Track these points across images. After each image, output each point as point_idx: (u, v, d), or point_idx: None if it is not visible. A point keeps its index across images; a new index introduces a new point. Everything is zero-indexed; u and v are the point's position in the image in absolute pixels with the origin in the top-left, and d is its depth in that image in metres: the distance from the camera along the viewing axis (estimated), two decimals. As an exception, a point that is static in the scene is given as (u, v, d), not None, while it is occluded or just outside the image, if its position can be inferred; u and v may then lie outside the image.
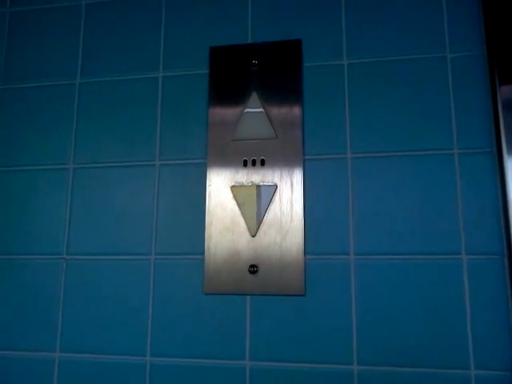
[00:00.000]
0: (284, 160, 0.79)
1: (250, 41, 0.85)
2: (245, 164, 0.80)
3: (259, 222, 0.78)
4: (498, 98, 0.77)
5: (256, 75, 0.83)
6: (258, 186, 0.79)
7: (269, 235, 0.77)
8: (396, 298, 0.73)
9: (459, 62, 0.78)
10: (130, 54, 0.88)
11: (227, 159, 0.81)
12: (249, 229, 0.77)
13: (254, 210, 0.78)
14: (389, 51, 0.81)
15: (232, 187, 0.79)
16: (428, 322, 0.71)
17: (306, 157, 0.79)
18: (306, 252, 0.76)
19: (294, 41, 0.84)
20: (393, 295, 0.73)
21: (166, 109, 0.85)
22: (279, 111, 0.81)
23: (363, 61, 0.81)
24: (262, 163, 0.80)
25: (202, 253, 0.78)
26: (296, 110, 0.81)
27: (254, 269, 0.76)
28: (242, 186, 0.79)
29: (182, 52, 0.87)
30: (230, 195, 0.79)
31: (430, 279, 0.72)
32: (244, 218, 0.78)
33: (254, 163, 0.80)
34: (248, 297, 0.76)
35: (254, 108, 0.82)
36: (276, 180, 0.79)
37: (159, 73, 0.87)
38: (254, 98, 0.82)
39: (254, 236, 0.77)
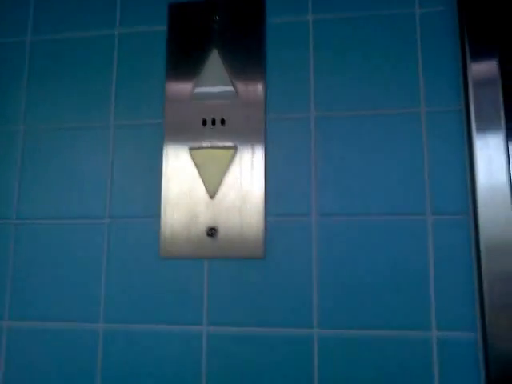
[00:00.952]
0: (245, 120, 0.76)
1: (210, -4, 0.81)
2: (204, 124, 0.77)
3: (218, 183, 0.74)
4: (467, 55, 0.74)
5: (217, 32, 0.79)
6: (218, 147, 0.75)
7: (228, 197, 0.74)
8: (359, 259, 0.70)
9: (428, 18, 0.76)
10: (85, 9, 0.84)
11: (185, 119, 0.77)
12: (207, 191, 0.74)
13: (213, 171, 0.75)
14: (355, 7, 0.77)
15: (190, 149, 0.76)
16: (391, 282, 0.69)
17: (269, 116, 0.76)
18: (266, 214, 0.73)
19: (256, -4, 0.80)
20: (355, 256, 0.70)
21: (122, 67, 0.81)
22: (241, 69, 0.78)
23: (329, 17, 0.78)
24: (222, 123, 0.76)
25: (159, 216, 0.75)
26: (258, 69, 0.77)
27: (212, 232, 0.72)
28: (200, 147, 0.76)
29: (140, 8, 0.83)
30: (189, 157, 0.76)
31: (393, 239, 0.70)
32: (203, 179, 0.75)
33: (213, 123, 0.76)
34: (206, 260, 0.73)
35: (214, 66, 0.78)
36: (236, 140, 0.75)
37: (115, 30, 0.82)
38: (215, 55, 0.78)
39: (212, 198, 0.74)
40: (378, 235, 0.70)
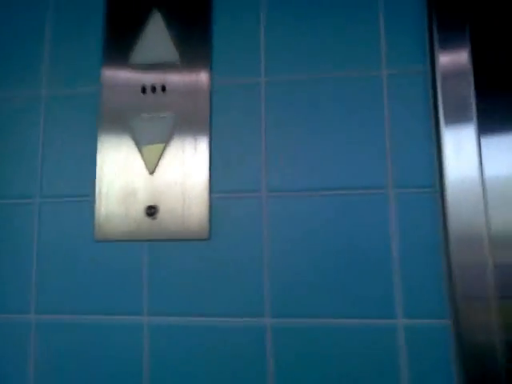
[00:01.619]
0: (188, 86, 0.68)
1: (153, -50, 0.73)
2: (143, 91, 0.69)
3: (158, 157, 0.67)
4: (433, 12, 0.66)
5: (159, -10, 0.71)
6: (158, 117, 0.67)
7: (169, 172, 0.66)
8: (314, 239, 0.63)
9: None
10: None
11: (123, 86, 0.69)
12: (146, 165, 0.66)
13: (152, 143, 0.67)
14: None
15: (128, 117, 0.68)
16: (350, 265, 0.62)
17: (214, 82, 0.68)
18: (211, 190, 0.65)
19: None
20: (310, 237, 0.63)
21: (54, 29, 0.73)
22: (184, 32, 0.69)
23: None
24: (163, 90, 0.68)
25: (93, 194, 0.67)
26: (204, 31, 0.69)
27: (152, 211, 0.65)
28: (139, 116, 0.68)
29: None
30: (126, 127, 0.68)
31: (352, 217, 0.63)
32: (141, 152, 0.67)
33: (153, 90, 0.68)
34: (145, 243, 0.65)
35: (155, 28, 0.70)
36: (179, 109, 0.67)
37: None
38: (156, 16, 0.70)
39: (152, 173, 0.66)
40: (335, 212, 0.63)
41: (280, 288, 0.62)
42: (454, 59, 0.64)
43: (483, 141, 0.62)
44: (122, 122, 0.68)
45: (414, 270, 0.61)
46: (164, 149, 0.67)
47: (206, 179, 0.65)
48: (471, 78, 0.63)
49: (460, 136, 0.62)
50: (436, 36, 0.65)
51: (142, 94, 0.68)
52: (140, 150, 0.67)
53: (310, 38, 0.67)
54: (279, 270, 0.63)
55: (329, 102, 0.66)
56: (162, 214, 0.65)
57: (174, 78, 0.68)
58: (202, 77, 0.68)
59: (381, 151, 0.63)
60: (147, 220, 0.65)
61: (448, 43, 0.65)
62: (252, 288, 0.63)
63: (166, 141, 0.67)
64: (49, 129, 0.70)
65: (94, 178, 0.67)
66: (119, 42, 0.70)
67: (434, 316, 0.60)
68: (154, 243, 0.65)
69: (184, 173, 0.66)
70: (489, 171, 0.61)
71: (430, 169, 0.62)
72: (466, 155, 0.61)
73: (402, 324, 0.60)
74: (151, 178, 0.66)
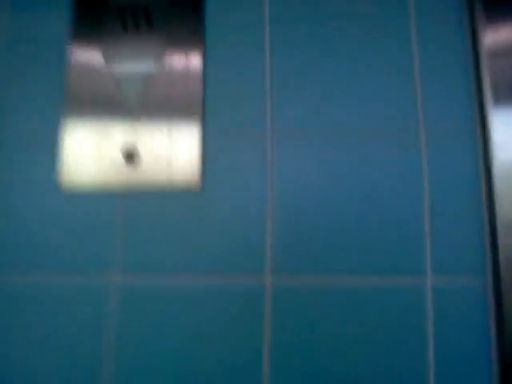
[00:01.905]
0: (178, 21, 0.59)
1: None
2: (125, 27, 0.60)
3: (141, 89, 0.57)
4: None
5: None
6: (143, 45, 0.59)
7: (152, 107, 0.56)
8: (329, 184, 0.53)
9: None
10: None
11: (99, 22, 0.60)
12: (125, 97, 0.57)
13: (133, 71, 0.57)
14: None
15: (105, 48, 0.59)
16: (370, 213, 0.52)
17: (208, 13, 0.60)
18: (204, 127, 0.56)
19: None
20: (324, 181, 0.53)
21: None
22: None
23: None
24: (149, 24, 0.60)
25: (60, 132, 0.57)
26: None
27: (131, 155, 0.55)
28: (120, 47, 0.59)
29: None
30: (103, 80, 0.58)
31: (374, 159, 0.53)
32: (121, 85, 0.57)
33: (137, 25, 0.60)
34: (122, 194, 0.55)
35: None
36: (168, 45, 0.59)
37: None
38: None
39: (132, 111, 0.56)
40: (353, 150, 0.54)
41: (285, 243, 0.52)
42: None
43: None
44: (95, 39, 0.58)
45: (448, 218, 0.51)
46: (147, 78, 0.57)
47: (199, 112, 0.55)
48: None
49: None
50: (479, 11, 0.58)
51: (123, 31, 0.60)
52: (120, 83, 0.57)
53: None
54: (285, 220, 0.52)
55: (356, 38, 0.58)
56: (143, 159, 0.55)
57: (162, 10, 0.60)
58: (194, 8, 0.60)
59: (410, 84, 0.55)
60: (125, 166, 0.55)
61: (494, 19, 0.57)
62: (251, 244, 0.52)
63: (150, 70, 0.57)
64: (14, 53, 0.60)
65: (62, 115, 0.57)
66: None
67: (469, 272, 0.50)
68: (133, 195, 0.54)
69: (171, 106, 0.56)
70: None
71: (469, 108, 0.54)
72: None
73: (430, 281, 0.50)
74: (131, 114, 0.56)
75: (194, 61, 0.57)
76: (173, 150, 0.55)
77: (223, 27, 0.58)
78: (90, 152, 0.55)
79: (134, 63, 0.57)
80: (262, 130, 0.55)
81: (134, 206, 0.54)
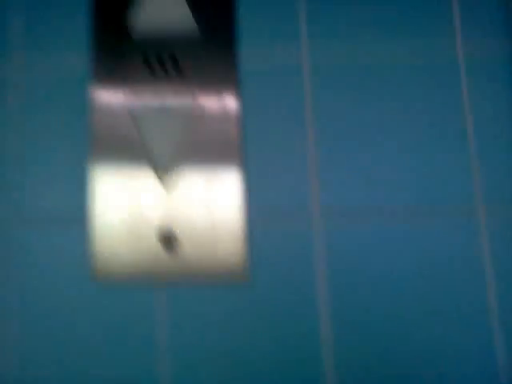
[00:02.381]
0: (211, 64, 0.48)
1: None
2: (151, 72, 0.49)
3: (176, 164, 0.48)
4: None
5: None
6: (173, 107, 0.48)
7: (191, 185, 0.47)
8: (387, 266, 0.45)
9: None
10: None
11: (123, 66, 0.50)
12: (160, 177, 0.48)
13: (166, 145, 0.48)
14: None
15: (131, 111, 0.49)
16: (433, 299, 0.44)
17: (243, 58, 0.49)
18: (248, 212, 0.47)
19: None
20: (383, 267, 0.45)
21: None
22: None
23: None
24: (178, 70, 0.49)
25: (89, 218, 0.49)
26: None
27: (170, 242, 0.47)
28: (146, 107, 0.49)
29: None
30: (129, 124, 0.49)
31: (431, 241, 0.44)
32: (151, 159, 0.48)
33: (165, 70, 0.49)
34: (162, 288, 0.47)
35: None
36: (199, 95, 0.48)
37: None
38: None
39: (167, 189, 0.48)
40: (406, 228, 0.45)
41: (343, 347, 0.45)
42: None
43: None
44: (122, 115, 0.49)
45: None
46: (183, 155, 0.48)
47: (239, 199, 0.47)
48: None
49: None
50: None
51: (149, 77, 0.49)
52: (150, 155, 0.48)
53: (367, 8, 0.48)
54: (340, 313, 0.45)
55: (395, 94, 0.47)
56: (181, 246, 0.47)
57: (192, 54, 0.49)
58: (229, 49, 0.48)
59: (465, 157, 0.45)
60: (164, 254, 0.47)
61: None
62: (308, 345, 0.45)
63: (185, 141, 0.48)
64: (29, 126, 0.51)
65: (86, 195, 0.49)
66: (113, 6, 0.50)
67: None
68: (173, 288, 0.47)
69: (212, 189, 0.47)
70: None
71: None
72: None
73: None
74: (168, 196, 0.47)
75: (229, 103, 0.47)
76: (215, 232, 0.46)
77: (258, 69, 0.47)
78: (123, 238, 0.47)
79: (162, 112, 0.47)
80: (306, 209, 0.46)
81: (175, 298, 0.47)
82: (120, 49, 0.50)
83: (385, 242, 0.46)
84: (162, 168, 0.48)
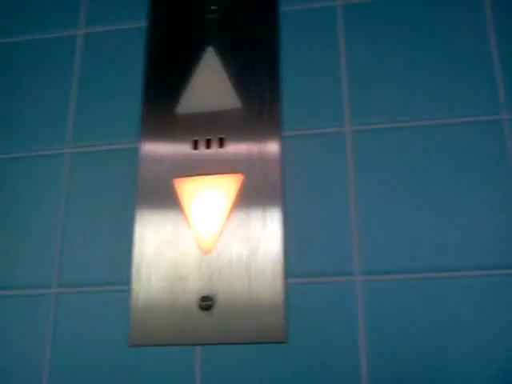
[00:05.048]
0: (252, 139, 0.53)
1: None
2: (195, 146, 0.54)
3: (216, 230, 0.50)
4: None
5: (214, 24, 0.58)
6: (215, 178, 0.52)
7: (230, 250, 0.50)
8: (432, 332, 0.45)
9: None
10: (43, 5, 0.64)
11: (170, 140, 0.55)
12: (199, 242, 0.50)
13: (208, 212, 0.51)
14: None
15: (176, 180, 0.53)
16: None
17: (285, 133, 0.54)
18: (287, 274, 0.48)
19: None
20: (422, 335, 0.45)
21: (85, 77, 0.60)
22: (246, 72, 0.56)
23: (363, 0, 0.57)
24: (221, 144, 0.53)
25: (129, 282, 0.51)
26: (270, 71, 0.55)
27: (207, 303, 0.48)
28: (190, 177, 0.53)
29: (112, 0, 0.62)
30: (173, 192, 0.52)
31: (476, 308, 0.45)
32: (193, 225, 0.51)
33: (208, 145, 0.54)
34: (199, 348, 0.48)
35: (209, 68, 0.57)
36: (241, 167, 0.52)
37: (79, 30, 0.62)
38: (211, 54, 0.57)
39: (207, 252, 0.50)
40: (443, 294, 0.45)
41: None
42: None
43: None
44: (167, 187, 0.53)
45: None
46: (223, 219, 0.51)
47: (280, 258, 0.49)
48: None
49: None
50: None
51: (193, 150, 0.54)
52: (192, 222, 0.51)
53: (401, 75, 0.53)
54: (380, 377, 0.44)
55: (437, 155, 0.50)
56: (220, 306, 0.48)
57: (235, 129, 0.54)
58: (270, 125, 0.53)
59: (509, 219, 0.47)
60: (201, 315, 0.48)
61: None
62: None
63: (225, 209, 0.51)
64: (73, 194, 0.55)
65: (130, 259, 0.51)
66: (165, 87, 0.57)
67: None
68: (210, 347, 0.48)
69: (250, 250, 0.49)
70: None
71: None
72: None
73: None
74: (206, 258, 0.50)
75: (273, 201, 0.50)
76: (252, 295, 0.48)
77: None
78: (162, 300, 0.49)
79: (206, 198, 0.51)
80: (349, 274, 0.47)
81: (213, 362, 0.47)
82: (167, 125, 0.55)
83: (427, 308, 0.46)
84: (202, 233, 0.50)
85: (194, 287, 0.49)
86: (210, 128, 0.54)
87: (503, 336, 0.44)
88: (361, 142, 0.52)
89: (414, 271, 0.47)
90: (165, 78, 0.57)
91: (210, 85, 0.56)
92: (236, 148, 0.53)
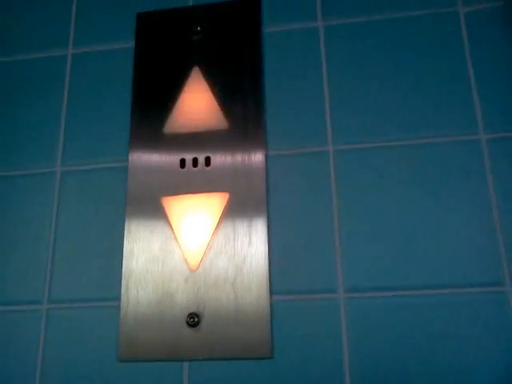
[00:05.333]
0: (238, 158, 0.55)
1: (191, 3, 0.62)
2: (182, 165, 0.55)
3: (203, 247, 0.52)
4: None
5: (199, 45, 0.60)
6: (202, 196, 0.54)
7: (217, 267, 0.51)
8: (420, 346, 0.46)
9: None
10: (32, 26, 0.65)
11: (157, 159, 0.56)
12: (187, 259, 0.52)
13: (195, 230, 0.53)
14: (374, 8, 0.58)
15: (164, 198, 0.54)
16: None
17: (270, 152, 0.55)
18: (272, 290, 0.50)
19: (251, -1, 0.61)
20: (404, 350, 0.47)
21: (74, 97, 0.61)
22: (230, 92, 0.57)
23: (344, 21, 0.59)
24: (207, 163, 0.55)
25: (118, 298, 0.52)
26: (254, 91, 0.57)
27: (194, 319, 0.49)
28: (177, 196, 0.54)
29: (100, 21, 0.64)
30: (161, 210, 0.54)
31: (461, 326, 0.46)
32: (180, 242, 0.52)
33: (195, 163, 0.55)
34: (186, 363, 0.49)
35: (195, 87, 0.58)
36: (227, 186, 0.54)
37: (67, 50, 0.63)
38: (196, 74, 0.59)
39: (194, 270, 0.51)
40: (427, 314, 0.47)
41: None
42: None
43: None
44: (154, 204, 0.54)
45: None
46: (210, 237, 0.52)
47: (265, 275, 0.50)
48: None
49: None
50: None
51: (180, 169, 0.55)
52: (179, 239, 0.52)
53: (384, 96, 0.55)
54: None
55: (418, 174, 0.52)
56: (207, 323, 0.50)
57: (221, 148, 0.55)
58: (255, 144, 0.55)
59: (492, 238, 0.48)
60: (188, 331, 0.50)
61: None
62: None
63: (212, 227, 0.52)
64: (63, 213, 0.56)
65: (120, 275, 0.52)
66: (152, 107, 0.58)
67: None
68: (196, 363, 0.49)
69: (236, 268, 0.51)
70: None
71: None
72: None
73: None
74: (193, 274, 0.51)
75: (258, 218, 0.52)
76: (238, 311, 0.49)
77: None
78: (149, 317, 0.50)
79: (193, 216, 0.52)
80: (333, 292, 0.49)
81: (200, 377, 0.48)
82: (155, 144, 0.56)
83: (412, 323, 0.47)
84: (190, 249, 0.52)
85: (182, 303, 0.50)
86: (196, 147, 0.56)
87: (488, 353, 0.45)
88: (344, 161, 0.53)
89: (397, 288, 0.48)
90: (152, 98, 0.58)
91: (197, 104, 0.57)
92: (222, 166, 0.54)
